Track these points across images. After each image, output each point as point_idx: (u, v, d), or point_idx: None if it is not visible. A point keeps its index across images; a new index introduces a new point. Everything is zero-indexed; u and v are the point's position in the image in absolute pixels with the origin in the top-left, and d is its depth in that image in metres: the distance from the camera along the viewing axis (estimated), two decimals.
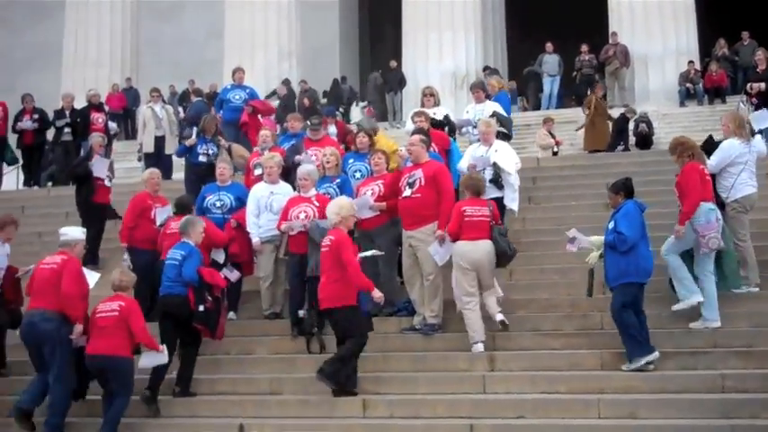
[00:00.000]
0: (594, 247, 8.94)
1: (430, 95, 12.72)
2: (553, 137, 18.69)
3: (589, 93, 20.66)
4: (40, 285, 8.92)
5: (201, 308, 9.13)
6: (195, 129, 13.75)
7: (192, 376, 9.35)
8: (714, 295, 9.04)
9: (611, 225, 8.69)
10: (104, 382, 8.77)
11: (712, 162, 9.71)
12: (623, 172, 10.89)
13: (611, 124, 18.99)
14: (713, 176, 9.58)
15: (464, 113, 13.13)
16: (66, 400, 8.76)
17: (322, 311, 8.96)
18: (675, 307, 9.16)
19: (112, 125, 17.88)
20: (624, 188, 8.94)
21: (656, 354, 8.45)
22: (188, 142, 13.52)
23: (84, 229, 9.86)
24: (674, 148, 9.71)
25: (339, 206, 9.04)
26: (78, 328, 8.72)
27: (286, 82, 23.28)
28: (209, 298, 9.24)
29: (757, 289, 9.58)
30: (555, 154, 18.18)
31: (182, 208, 10.45)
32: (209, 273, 9.35)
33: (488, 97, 13.24)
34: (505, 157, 10.67)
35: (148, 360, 8.85)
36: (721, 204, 9.52)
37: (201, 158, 13.10)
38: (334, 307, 8.64)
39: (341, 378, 8.63)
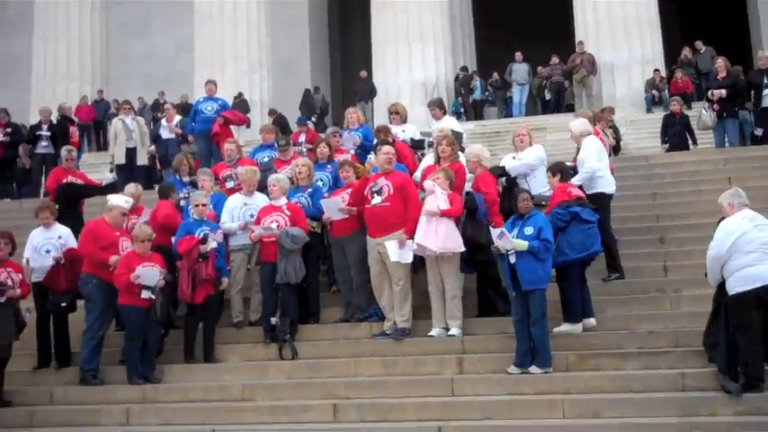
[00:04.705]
0: (514, 249, 8.91)
1: (395, 113, 12.78)
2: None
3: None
4: None
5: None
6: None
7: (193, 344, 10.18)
8: None
9: (528, 231, 8.91)
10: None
11: (540, 156, 10.52)
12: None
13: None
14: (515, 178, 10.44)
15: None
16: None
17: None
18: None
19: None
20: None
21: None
22: None
23: (130, 199, 10.62)
24: (454, 143, 10.45)
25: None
26: (113, 258, 9.82)
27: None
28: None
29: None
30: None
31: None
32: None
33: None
34: None
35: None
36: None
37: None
38: None
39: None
